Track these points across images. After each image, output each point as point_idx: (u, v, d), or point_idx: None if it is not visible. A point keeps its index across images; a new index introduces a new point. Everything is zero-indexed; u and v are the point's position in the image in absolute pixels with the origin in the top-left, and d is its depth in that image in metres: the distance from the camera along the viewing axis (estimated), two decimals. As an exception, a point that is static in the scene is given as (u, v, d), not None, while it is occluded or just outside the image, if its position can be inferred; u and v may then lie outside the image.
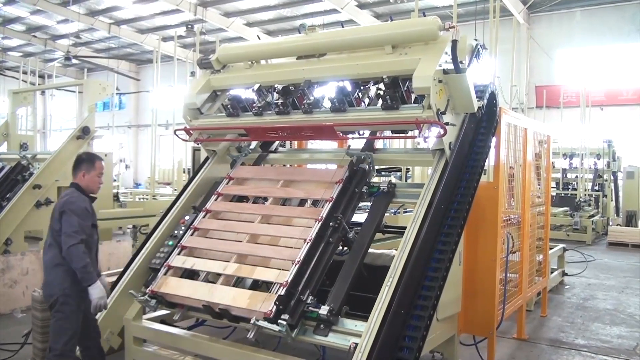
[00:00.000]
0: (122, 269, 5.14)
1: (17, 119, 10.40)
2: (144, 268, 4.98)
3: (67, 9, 23.29)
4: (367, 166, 4.79)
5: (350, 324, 3.92)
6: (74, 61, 28.39)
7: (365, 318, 3.86)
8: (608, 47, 20.34)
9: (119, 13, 25.05)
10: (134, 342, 4.88)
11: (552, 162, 15.70)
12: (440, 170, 4.45)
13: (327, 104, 4.80)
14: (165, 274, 4.67)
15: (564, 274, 9.24)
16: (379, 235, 4.95)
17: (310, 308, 3.95)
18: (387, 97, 4.40)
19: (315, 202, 4.80)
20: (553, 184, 17.06)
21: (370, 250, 4.65)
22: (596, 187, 17.24)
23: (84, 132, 8.22)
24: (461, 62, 4.40)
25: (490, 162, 5.31)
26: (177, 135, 5.56)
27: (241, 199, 5.21)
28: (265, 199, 5.09)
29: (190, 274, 4.71)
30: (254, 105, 5.05)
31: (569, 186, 17.92)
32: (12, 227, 7.39)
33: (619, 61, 20.27)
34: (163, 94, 17.26)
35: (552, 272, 8.31)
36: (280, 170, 5.58)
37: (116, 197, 12.71)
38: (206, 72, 5.44)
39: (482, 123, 5.00)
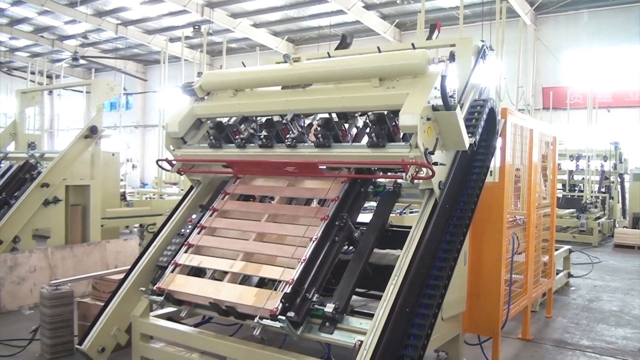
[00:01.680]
0: (129, 267, 5.18)
1: (25, 118, 10.47)
2: (151, 266, 5.03)
3: (75, 9, 23.44)
4: (373, 166, 4.80)
5: (356, 322, 3.95)
6: (82, 62, 28.54)
7: (370, 316, 3.90)
8: (615, 48, 20.31)
9: (126, 14, 25.17)
10: (141, 339, 4.93)
11: (559, 164, 15.73)
12: (429, 211, 4.22)
13: (313, 134, 4.78)
14: (172, 271, 4.71)
15: (569, 275, 9.24)
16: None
17: (315, 306, 3.99)
18: (373, 134, 4.26)
19: (321, 202, 4.82)
20: (559, 186, 17.04)
21: (375, 250, 4.67)
22: (603, 189, 17.20)
23: (92, 132, 8.28)
24: (452, 97, 4.27)
25: (496, 163, 5.33)
26: (160, 166, 5.42)
27: (248, 197, 5.25)
28: (272, 198, 5.13)
29: (197, 272, 4.75)
30: (237, 137, 4.96)
31: (576, 188, 17.89)
32: (20, 225, 7.45)
33: (626, 63, 20.23)
34: (170, 94, 17.33)
35: (557, 274, 8.32)
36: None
37: (123, 196, 12.78)
38: (190, 100, 5.32)
39: (482, 137, 4.86)
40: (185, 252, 4.81)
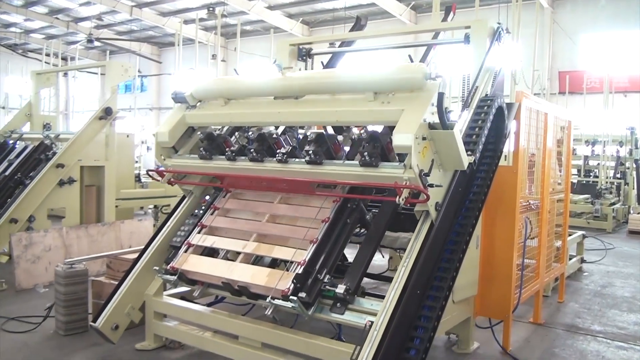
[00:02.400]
0: (143, 247, 5.24)
1: (40, 99, 10.53)
2: (164, 246, 5.08)
3: (90, -9, 23.43)
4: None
5: (366, 303, 3.98)
6: (96, 44, 28.59)
7: (381, 298, 3.92)
8: (633, 32, 20.00)
9: (141, -5, 25.14)
10: (154, 317, 5.01)
11: (574, 149, 15.61)
12: (424, 234, 4.03)
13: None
14: (185, 251, 4.76)
15: (582, 261, 9.20)
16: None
17: (327, 287, 4.02)
18: (365, 153, 4.05)
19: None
20: (574, 171, 16.92)
21: (387, 233, 4.69)
22: (618, 175, 17.05)
23: (106, 113, 8.32)
24: (449, 112, 4.02)
25: (510, 147, 5.30)
26: (150, 176, 5.29)
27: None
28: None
29: (210, 252, 4.80)
30: (228, 149, 4.85)
31: (591, 173, 17.75)
32: (35, 204, 7.53)
33: (644, 47, 19.95)
34: (184, 76, 17.36)
35: (570, 259, 8.29)
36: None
37: (138, 178, 12.85)
38: (181, 107, 5.16)
39: (490, 139, 4.74)
40: (199, 232, 4.86)
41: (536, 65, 13.70)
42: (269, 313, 4.12)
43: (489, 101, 4.71)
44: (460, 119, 4.59)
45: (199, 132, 5.10)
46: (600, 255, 10.42)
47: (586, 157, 17.88)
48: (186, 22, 20.22)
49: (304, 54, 6.34)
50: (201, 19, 19.07)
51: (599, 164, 16.94)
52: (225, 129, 5.27)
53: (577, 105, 18.38)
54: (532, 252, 5.85)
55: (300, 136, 5.05)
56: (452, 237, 4.22)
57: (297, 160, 4.46)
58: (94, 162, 8.81)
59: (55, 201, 7.94)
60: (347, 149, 4.86)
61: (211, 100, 5.08)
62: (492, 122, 4.65)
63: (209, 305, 5.30)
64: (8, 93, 25.16)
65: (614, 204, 15.13)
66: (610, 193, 15.60)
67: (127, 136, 10.97)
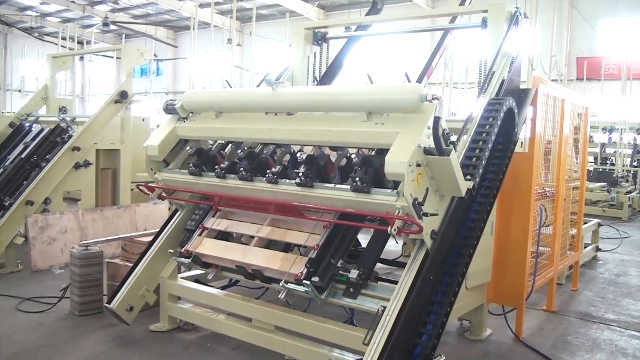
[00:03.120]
0: (158, 230, 5.28)
1: (56, 83, 10.56)
2: (179, 229, 5.12)
3: (106, -26, 23.43)
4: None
5: (379, 289, 4.00)
6: (112, 27, 28.63)
7: (394, 283, 3.92)
8: (653, 18, 19.72)
9: (157, -21, 25.11)
10: (168, 299, 5.06)
11: (591, 136, 15.45)
12: (419, 262, 3.83)
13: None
14: (200, 235, 4.79)
15: (597, 249, 9.14)
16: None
17: (340, 271, 4.03)
18: (357, 178, 3.85)
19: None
20: (591, 159, 16.77)
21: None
22: (635, 163, 16.88)
23: (122, 97, 8.34)
24: (447, 134, 3.70)
25: (526, 133, 5.26)
26: (141, 190, 5.15)
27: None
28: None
29: (224, 236, 4.82)
30: (217, 167, 4.69)
31: (607, 161, 17.59)
32: (51, 187, 7.58)
33: (663, 34, 19.65)
34: (200, 60, 17.35)
35: (585, 247, 8.24)
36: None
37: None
38: (173, 118, 5.03)
39: (498, 146, 4.58)
40: (213, 216, 4.88)
41: (554, 50, 13.57)
42: (282, 297, 4.14)
43: (497, 104, 4.48)
44: (478, 104, 4.56)
45: (188, 148, 4.99)
46: (615, 244, 10.34)
47: (603, 145, 17.70)
48: (202, 5, 20.21)
49: (319, 38, 6.31)
50: (217, 3, 19.07)
51: (615, 151, 16.77)
52: (215, 145, 5.14)
53: (595, 92, 18.18)
54: (547, 240, 5.82)
55: (295, 150, 4.84)
56: (467, 223, 4.20)
57: (287, 181, 4.27)
58: (109, 146, 8.85)
59: (71, 184, 7.99)
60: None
61: (202, 112, 4.96)
62: (502, 121, 4.46)
63: (222, 288, 5.35)
64: (24, 76, 25.32)
65: (630, 192, 14.99)
66: (627, 181, 15.46)
67: (143, 120, 11.00)
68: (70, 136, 8.06)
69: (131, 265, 5.20)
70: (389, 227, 3.62)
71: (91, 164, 8.12)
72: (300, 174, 4.11)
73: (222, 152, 4.92)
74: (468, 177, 4.01)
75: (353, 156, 4.06)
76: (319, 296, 4.01)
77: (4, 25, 30.76)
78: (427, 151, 3.64)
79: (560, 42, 19.81)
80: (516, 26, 5.04)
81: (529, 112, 5.09)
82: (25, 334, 5.07)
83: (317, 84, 6.11)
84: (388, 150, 3.64)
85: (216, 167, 4.67)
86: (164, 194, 5.04)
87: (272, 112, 4.55)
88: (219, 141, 5.12)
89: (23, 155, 8.06)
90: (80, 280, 5.49)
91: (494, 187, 4.45)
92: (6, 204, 7.30)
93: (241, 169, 4.46)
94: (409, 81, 4.73)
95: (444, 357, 3.72)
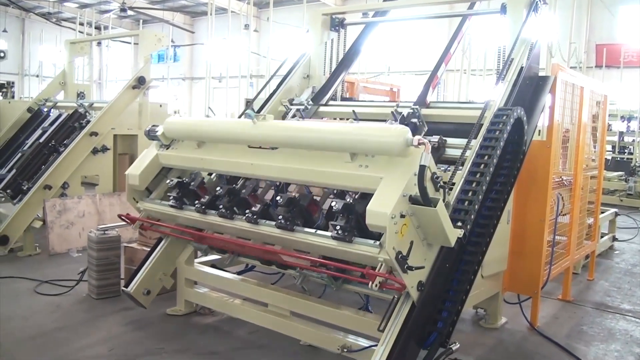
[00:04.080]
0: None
1: (74, 68, 10.62)
2: (196, 214, 5.14)
3: (123, -41, 23.45)
4: (417, 121, 4.76)
5: (395, 276, 3.98)
6: (130, 13, 28.69)
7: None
8: (675, 6, 19.42)
9: (174, -36, 25.09)
10: (185, 284, 5.11)
11: (609, 125, 15.30)
12: (404, 316, 3.57)
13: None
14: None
15: (614, 239, 9.07)
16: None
17: (355, 259, 4.02)
18: (338, 226, 3.61)
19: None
20: (609, 147, 16.61)
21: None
22: (653, 152, 16.71)
23: (140, 82, 8.37)
24: (437, 178, 3.48)
25: (544, 121, 5.22)
26: (123, 219, 5.01)
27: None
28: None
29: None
30: (198, 201, 4.51)
31: (625, 150, 17.41)
32: (69, 171, 7.64)
33: (685, 21, 19.35)
34: (217, 46, 17.36)
35: (602, 237, 8.18)
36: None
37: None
38: (156, 144, 4.88)
39: (506, 156, 4.40)
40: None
41: (573, 37, 13.42)
42: (298, 283, 4.16)
43: (504, 116, 4.24)
44: (496, 91, 4.53)
45: (168, 180, 4.81)
46: (632, 234, 10.25)
47: (621, 134, 17.53)
48: (218, -9, 20.17)
49: (337, 24, 6.29)
50: (234, -12, 19.02)
51: (634, 140, 16.58)
52: (197, 180, 4.84)
53: (614, 80, 17.98)
54: (564, 229, 5.79)
55: (281, 184, 4.75)
56: (483, 212, 4.18)
57: (267, 222, 4.08)
58: (127, 131, 8.92)
59: (89, 169, 8.06)
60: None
61: (184, 140, 4.79)
62: (509, 133, 4.26)
63: (239, 273, 5.38)
64: (42, 62, 25.50)
65: (648, 181, 14.84)
66: (645, 171, 15.30)
67: (160, 106, 11.03)
68: (88, 121, 8.11)
69: (148, 249, 5.25)
70: (370, 282, 3.41)
71: (109, 149, 8.17)
72: (280, 217, 3.92)
73: (203, 183, 4.74)
74: (459, 223, 3.70)
75: (334, 203, 3.72)
76: (335, 282, 4.02)
77: (21, 11, 30.96)
78: (413, 200, 3.37)
79: (580, 29, 19.55)
80: (535, 12, 4.98)
81: (547, 100, 5.05)
82: (43, 316, 5.14)
83: (333, 72, 6.11)
84: (372, 194, 3.41)
85: (196, 202, 4.52)
86: (145, 225, 4.94)
87: (254, 145, 4.35)
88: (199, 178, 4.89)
89: (41, 140, 8.13)
90: (98, 263, 5.55)
91: (511, 176, 4.42)
92: (24, 188, 7.39)
93: (220, 206, 4.30)
94: (396, 118, 4.59)
95: (458, 345, 3.73)
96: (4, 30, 29.79)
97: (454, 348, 3.71)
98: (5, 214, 7.32)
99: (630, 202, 13.99)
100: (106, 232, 5.65)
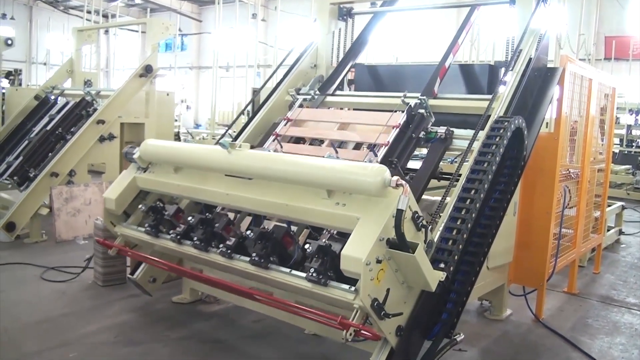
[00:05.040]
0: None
1: (82, 56, 10.62)
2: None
3: (131, -53, 23.39)
4: (425, 112, 4.75)
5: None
6: (137, 1, 28.76)
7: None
8: (686, -2, 19.27)
9: (182, -48, 25.02)
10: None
11: (617, 118, 15.22)
12: None
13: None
14: (222, 210, 4.79)
15: (620, 232, 9.04)
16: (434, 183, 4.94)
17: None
18: (312, 269, 3.43)
19: (371, 147, 4.78)
20: (616, 141, 16.54)
21: (424, 196, 4.66)
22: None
23: (147, 71, 8.36)
24: (417, 216, 3.35)
25: (552, 113, 5.20)
26: (100, 243, 5.05)
27: (298, 140, 5.28)
28: (322, 141, 5.14)
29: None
30: (173, 231, 4.37)
31: (633, 143, 17.32)
32: (76, 159, 7.66)
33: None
34: (224, 35, 17.33)
35: (608, 230, 8.16)
36: (338, 114, 5.58)
37: (177, 136, 12.95)
38: (133, 167, 4.77)
39: (506, 163, 4.31)
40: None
41: (582, 29, 13.33)
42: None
43: (505, 123, 4.17)
44: (504, 85, 4.51)
45: (140, 206, 4.66)
46: (638, 228, 10.22)
47: (629, 127, 17.44)
48: (226, -20, 20.09)
49: (345, 14, 6.26)
50: (241, -23, 18.96)
51: (642, 134, 16.51)
52: (172, 209, 4.67)
53: (623, 72, 17.88)
54: (570, 222, 5.78)
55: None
56: (490, 203, 4.16)
57: (241, 257, 3.93)
58: (134, 119, 8.92)
59: (96, 156, 8.08)
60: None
61: (161, 164, 4.67)
62: (509, 141, 4.19)
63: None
64: (50, 49, 25.52)
65: (655, 175, 14.77)
66: (653, 164, 15.25)
67: (167, 94, 11.04)
68: (95, 109, 8.12)
69: (154, 237, 5.25)
70: (344, 331, 3.24)
71: (115, 137, 8.18)
72: (254, 255, 3.78)
73: (180, 210, 4.61)
74: (442, 264, 3.54)
75: (307, 245, 3.54)
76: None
77: (29, -2, 30.98)
78: (390, 243, 3.21)
79: (589, 21, 19.41)
80: (544, 3, 4.95)
81: (555, 92, 5.02)
82: (49, 303, 5.17)
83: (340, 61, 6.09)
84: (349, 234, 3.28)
85: (171, 231, 4.41)
86: (123, 250, 4.85)
87: (230, 174, 4.21)
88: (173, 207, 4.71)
89: (48, 128, 8.15)
90: (104, 251, 5.53)
91: (517, 167, 4.40)
92: (31, 175, 7.42)
93: (195, 238, 4.18)
94: (375, 154, 4.47)
95: (463, 336, 3.73)
96: (12, 18, 29.83)
97: (458, 339, 3.71)
98: (12, 201, 7.36)
99: (637, 195, 13.92)
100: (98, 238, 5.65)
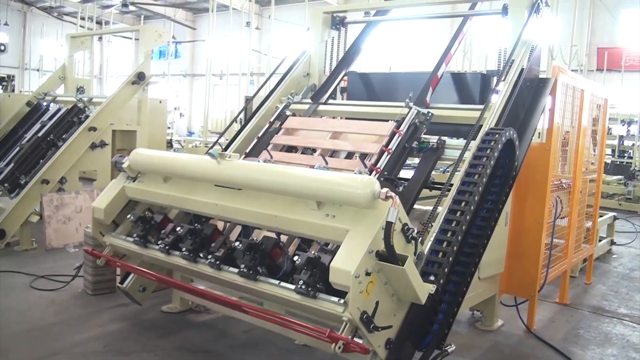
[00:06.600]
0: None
1: (74, 63, 10.58)
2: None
3: (126, -46, 23.42)
4: (417, 121, 4.75)
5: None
6: (131, 8, 28.66)
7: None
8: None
9: (177, -40, 25.06)
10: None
11: (609, 128, 15.29)
12: None
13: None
14: (212, 218, 4.77)
15: (612, 242, 9.06)
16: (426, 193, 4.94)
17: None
18: (301, 281, 3.38)
19: (363, 156, 4.78)
20: (608, 151, 16.61)
21: (416, 206, 4.65)
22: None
23: (139, 78, 8.34)
24: (407, 227, 3.32)
25: (544, 124, 5.21)
26: (89, 253, 4.99)
27: (290, 149, 5.26)
28: (314, 150, 5.13)
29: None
30: (161, 241, 4.31)
31: (625, 154, 17.40)
32: (67, 166, 7.62)
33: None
34: (218, 43, 17.34)
35: (600, 240, 8.18)
36: (330, 123, 5.57)
37: (170, 143, 12.91)
38: (122, 176, 4.74)
39: (498, 173, 4.31)
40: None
41: (574, 40, 13.40)
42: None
43: (496, 135, 4.14)
44: (496, 95, 4.52)
45: (129, 216, 4.60)
46: (630, 238, 10.25)
47: (621, 137, 17.54)
48: (220, -12, 20.12)
49: (338, 23, 6.27)
50: (235, -14, 18.99)
51: (634, 144, 16.58)
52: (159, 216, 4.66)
53: (615, 83, 17.99)
54: (562, 232, 5.78)
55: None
56: (481, 213, 4.16)
57: (230, 269, 3.88)
58: (126, 127, 8.89)
59: (87, 164, 8.04)
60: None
61: (150, 173, 4.63)
62: (500, 151, 4.17)
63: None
64: (43, 55, 25.45)
65: (647, 186, 14.84)
66: (644, 175, 15.31)
67: (160, 102, 11.00)
68: (87, 116, 8.09)
69: (144, 246, 5.22)
70: (333, 345, 3.21)
71: (107, 145, 8.15)
72: (242, 266, 3.74)
73: (168, 219, 4.59)
74: (431, 276, 3.52)
75: (296, 257, 3.49)
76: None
77: (23, 4, 30.91)
78: (380, 256, 3.18)
79: (581, 32, 19.53)
80: (537, 14, 4.97)
81: (547, 102, 5.03)
82: (38, 311, 5.12)
83: (333, 70, 6.09)
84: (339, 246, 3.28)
85: (160, 241, 4.35)
86: (112, 260, 4.76)
87: (219, 184, 4.17)
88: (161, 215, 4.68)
89: (40, 134, 8.10)
90: (94, 259, 5.52)
91: (509, 177, 4.40)
92: (22, 182, 7.37)
93: (183, 248, 4.13)
94: (366, 166, 4.44)
95: (454, 347, 3.72)
96: (6, 24, 29.72)
97: (449, 350, 3.69)
98: (2, 208, 7.31)
99: (629, 206, 13.99)
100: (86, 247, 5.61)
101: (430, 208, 4.74)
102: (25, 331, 4.66)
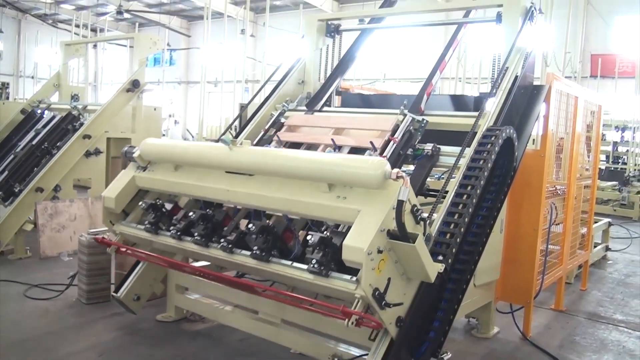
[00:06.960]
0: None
1: (69, 70, 10.56)
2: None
3: (120, -38, 23.44)
4: (412, 129, 4.75)
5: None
6: (126, 16, 28.70)
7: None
8: (670, 16, 19.52)
9: (171, -32, 25.11)
10: (176, 290, 5.07)
11: (603, 134, 15.34)
12: (382, 353, 3.46)
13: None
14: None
15: (607, 249, 9.07)
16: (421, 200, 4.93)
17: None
18: (314, 260, 3.45)
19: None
20: (603, 157, 16.66)
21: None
22: (647, 162, 16.78)
23: (134, 85, 8.33)
24: (418, 210, 3.40)
25: (539, 130, 5.22)
26: (98, 242, 4.89)
27: (292, 146, 5.23)
28: (317, 146, 5.09)
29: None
30: (173, 227, 4.37)
31: (619, 160, 17.46)
32: (62, 174, 7.60)
33: (680, 32, 19.43)
34: (213, 51, 17.34)
35: (595, 246, 8.18)
36: (332, 118, 5.52)
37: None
38: (133, 166, 4.77)
39: (496, 172, 4.37)
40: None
41: (568, 47, 13.47)
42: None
43: (496, 132, 4.22)
44: (489, 103, 4.53)
45: (140, 203, 4.63)
46: (625, 244, 10.27)
47: (615, 143, 17.61)
48: (215, -5, 20.17)
49: (333, 30, 6.27)
50: (230, -7, 19.04)
51: (628, 150, 16.64)
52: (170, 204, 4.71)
53: (608, 90, 18.07)
54: (557, 238, 5.79)
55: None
56: (476, 220, 4.16)
57: (242, 252, 3.95)
58: (120, 134, 8.86)
59: (82, 171, 8.02)
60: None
61: (161, 163, 4.68)
62: (499, 151, 4.22)
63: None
64: (37, 63, 25.44)
65: (641, 191, 14.88)
66: (638, 180, 15.34)
67: (155, 109, 10.95)
68: (81, 124, 8.07)
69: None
70: (346, 320, 3.28)
71: (102, 152, 8.14)
72: (255, 248, 3.79)
73: (179, 207, 4.63)
74: (440, 257, 3.62)
75: (309, 237, 3.53)
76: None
77: (18, 12, 30.87)
78: (391, 234, 3.27)
79: (575, 39, 19.64)
80: (531, 21, 4.98)
81: (541, 109, 5.04)
82: (32, 321, 5.09)
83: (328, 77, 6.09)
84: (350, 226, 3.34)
85: (171, 227, 4.41)
86: (122, 249, 4.78)
87: (230, 171, 4.25)
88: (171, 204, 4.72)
89: (34, 142, 8.08)
90: (88, 268, 5.51)
91: (504, 184, 4.40)
92: (16, 190, 7.34)
93: (195, 234, 4.18)
94: (375, 149, 4.49)
95: (450, 354, 3.72)
96: (0, 31, 29.73)
97: (445, 358, 3.70)
98: (-4, 216, 7.27)
99: (623, 212, 14.03)
100: (97, 236, 5.60)
101: (426, 215, 4.75)
102: (20, 341, 4.63)
